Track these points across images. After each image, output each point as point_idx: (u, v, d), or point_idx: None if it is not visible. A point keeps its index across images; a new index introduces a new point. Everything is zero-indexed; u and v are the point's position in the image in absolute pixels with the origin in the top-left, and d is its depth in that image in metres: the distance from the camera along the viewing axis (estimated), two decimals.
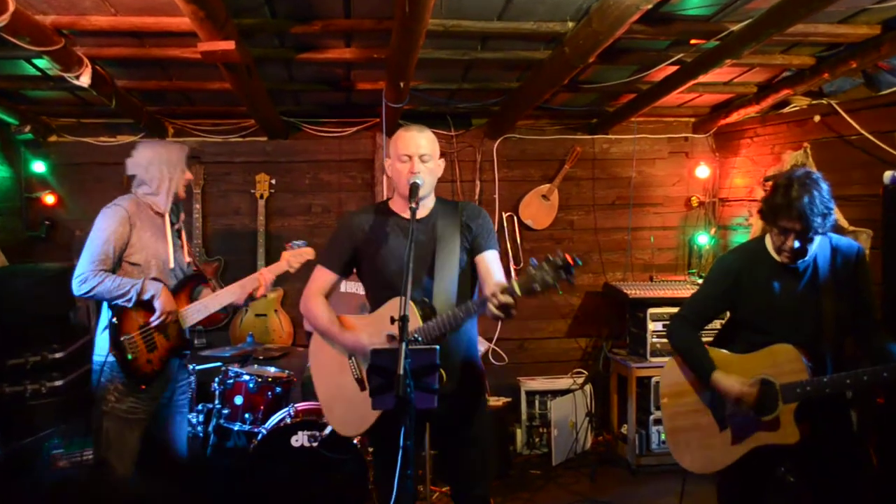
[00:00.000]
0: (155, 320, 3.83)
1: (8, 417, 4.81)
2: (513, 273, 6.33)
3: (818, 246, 3.19)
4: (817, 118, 5.26)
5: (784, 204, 3.06)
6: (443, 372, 2.94)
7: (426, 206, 3.26)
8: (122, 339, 3.78)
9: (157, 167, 3.95)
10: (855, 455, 3.31)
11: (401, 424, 2.54)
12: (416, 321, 3.00)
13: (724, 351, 3.43)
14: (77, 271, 3.72)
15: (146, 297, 3.79)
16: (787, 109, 5.63)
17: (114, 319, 3.80)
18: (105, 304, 3.83)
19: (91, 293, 3.71)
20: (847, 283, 3.17)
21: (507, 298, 2.72)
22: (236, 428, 4.78)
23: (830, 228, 3.10)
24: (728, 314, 3.56)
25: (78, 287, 3.71)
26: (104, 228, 3.78)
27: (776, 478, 3.39)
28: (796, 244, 3.09)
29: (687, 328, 3.52)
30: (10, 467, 4.69)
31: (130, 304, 3.75)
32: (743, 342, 3.37)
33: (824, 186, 3.07)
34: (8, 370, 4.82)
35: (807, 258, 3.18)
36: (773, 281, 3.26)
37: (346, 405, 3.34)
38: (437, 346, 2.74)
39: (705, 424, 3.45)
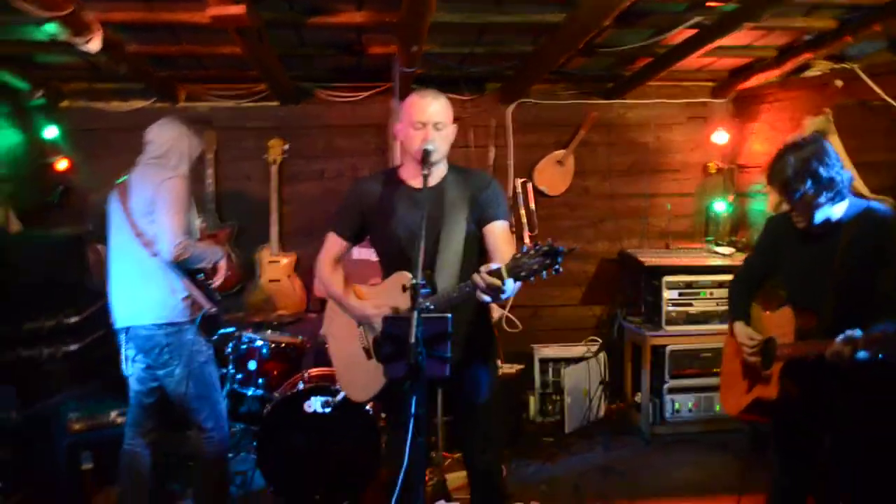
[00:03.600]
0: (219, 279, 4.22)
1: (24, 381, 4.85)
2: (526, 240, 6.28)
3: (847, 211, 3.12)
4: (839, 83, 5.15)
5: (768, 171, 3.15)
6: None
7: (437, 175, 3.20)
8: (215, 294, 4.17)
9: (177, 150, 4.07)
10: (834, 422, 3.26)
11: (411, 392, 2.52)
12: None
13: (760, 308, 3.54)
14: (172, 240, 3.83)
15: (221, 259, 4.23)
16: (807, 74, 5.51)
17: (207, 282, 4.14)
18: (173, 269, 3.93)
19: (191, 259, 3.92)
20: (870, 252, 3.06)
21: (491, 280, 2.65)
22: (250, 393, 4.80)
23: (833, 191, 3.02)
24: None
25: (179, 253, 3.84)
26: (181, 197, 3.93)
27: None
28: (785, 206, 3.16)
29: (736, 285, 3.69)
30: (27, 430, 4.74)
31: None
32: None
33: (812, 150, 3.02)
34: (24, 335, 4.86)
35: (826, 221, 3.11)
36: (798, 245, 3.27)
37: (354, 371, 3.37)
38: (450, 315, 2.71)
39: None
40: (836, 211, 3.12)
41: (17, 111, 5.72)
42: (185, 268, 3.97)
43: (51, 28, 4.12)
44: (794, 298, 3.29)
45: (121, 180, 4.15)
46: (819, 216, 3.09)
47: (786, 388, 3.19)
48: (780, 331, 3.25)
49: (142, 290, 3.94)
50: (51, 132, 5.86)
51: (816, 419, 3.27)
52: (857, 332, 2.78)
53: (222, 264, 4.24)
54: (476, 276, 2.70)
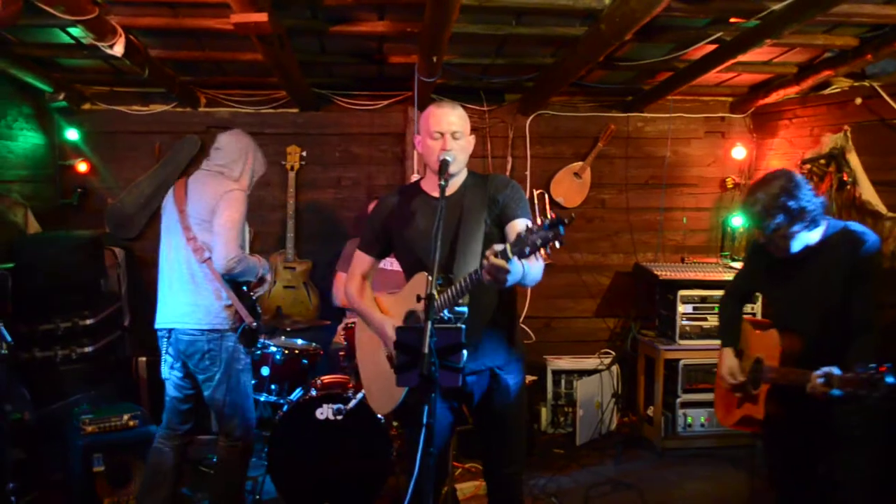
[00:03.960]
0: (262, 291, 4.33)
1: (38, 382, 4.88)
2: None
3: (824, 233, 3.17)
4: (859, 101, 5.14)
5: (741, 209, 3.40)
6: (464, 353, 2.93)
7: (456, 183, 3.22)
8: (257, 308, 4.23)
9: (243, 163, 4.18)
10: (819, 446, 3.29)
11: (427, 402, 2.51)
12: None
13: (751, 326, 3.57)
14: (227, 253, 3.92)
15: (267, 273, 4.29)
16: (827, 91, 5.50)
17: (251, 293, 4.22)
18: (218, 279, 4.00)
19: (241, 272, 4.01)
20: (847, 272, 3.10)
21: (495, 261, 2.58)
22: (262, 399, 4.81)
23: (805, 220, 3.06)
24: None
25: (232, 266, 3.94)
26: (242, 212, 4.02)
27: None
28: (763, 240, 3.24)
29: (727, 300, 3.76)
30: (40, 431, 4.77)
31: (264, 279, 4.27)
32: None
33: (781, 184, 3.06)
34: (39, 335, 4.90)
35: (805, 248, 3.17)
36: (779, 271, 3.32)
37: (380, 383, 3.35)
38: (463, 326, 2.71)
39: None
40: (813, 236, 3.16)
41: (39, 113, 5.78)
42: (232, 279, 4.04)
43: (75, 31, 4.18)
44: (779, 322, 3.35)
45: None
46: (796, 245, 3.14)
47: (770, 410, 3.25)
48: (767, 353, 3.30)
49: (188, 294, 4.01)
50: (72, 134, 5.93)
51: (803, 439, 3.32)
52: (835, 370, 2.82)
53: (268, 277, 4.31)
54: (483, 261, 2.67)
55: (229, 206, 3.97)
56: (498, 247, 2.62)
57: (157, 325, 4.15)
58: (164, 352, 4.16)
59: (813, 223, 3.09)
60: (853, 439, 3.15)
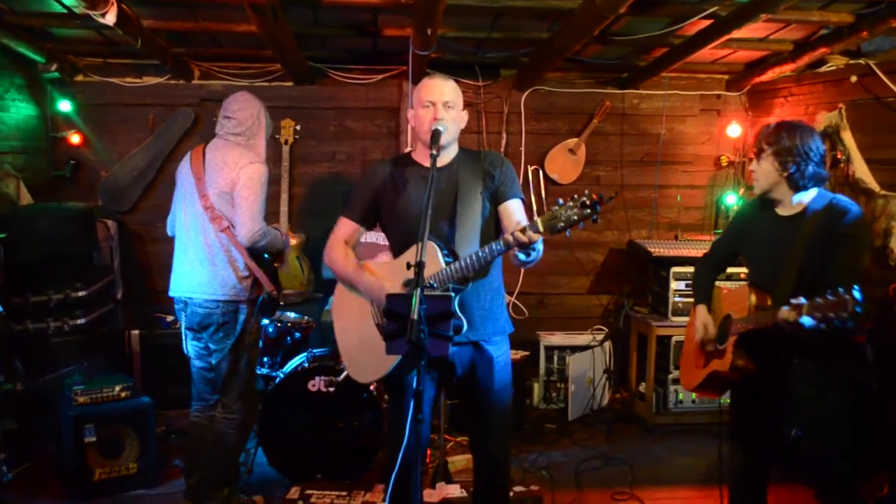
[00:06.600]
0: (284, 265, 4.33)
1: (31, 353, 4.89)
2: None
3: (815, 200, 3.23)
4: (854, 78, 5.13)
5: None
6: (464, 319, 2.97)
7: (448, 156, 3.22)
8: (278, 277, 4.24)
9: (257, 128, 4.16)
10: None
11: (418, 371, 2.51)
12: (437, 265, 2.96)
13: (723, 287, 3.67)
14: (252, 227, 3.91)
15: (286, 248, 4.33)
16: (823, 69, 5.48)
17: (275, 264, 4.23)
18: (238, 248, 3.97)
19: (264, 245, 4.02)
20: (824, 244, 3.14)
21: (525, 236, 2.68)
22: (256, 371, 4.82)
23: (804, 172, 3.17)
24: None
25: (257, 238, 3.94)
26: (264, 184, 4.02)
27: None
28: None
29: (701, 264, 3.81)
30: (33, 402, 4.78)
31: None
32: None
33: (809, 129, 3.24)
34: (31, 307, 4.90)
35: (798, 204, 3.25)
36: (766, 228, 3.38)
37: (366, 351, 3.27)
38: (453, 294, 2.72)
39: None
40: (803, 198, 3.25)
41: (31, 83, 5.75)
42: (254, 250, 4.03)
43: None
44: (754, 278, 3.44)
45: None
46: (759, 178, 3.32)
47: (737, 360, 3.29)
48: (737, 307, 3.36)
49: (205, 263, 3.97)
50: (64, 106, 5.90)
51: (770, 389, 3.37)
52: (802, 300, 2.86)
53: (287, 252, 4.31)
54: (508, 236, 2.74)
55: (251, 178, 3.94)
56: (524, 223, 2.71)
57: (172, 294, 4.10)
58: (182, 324, 4.11)
59: (803, 179, 3.19)
60: (814, 398, 3.23)
